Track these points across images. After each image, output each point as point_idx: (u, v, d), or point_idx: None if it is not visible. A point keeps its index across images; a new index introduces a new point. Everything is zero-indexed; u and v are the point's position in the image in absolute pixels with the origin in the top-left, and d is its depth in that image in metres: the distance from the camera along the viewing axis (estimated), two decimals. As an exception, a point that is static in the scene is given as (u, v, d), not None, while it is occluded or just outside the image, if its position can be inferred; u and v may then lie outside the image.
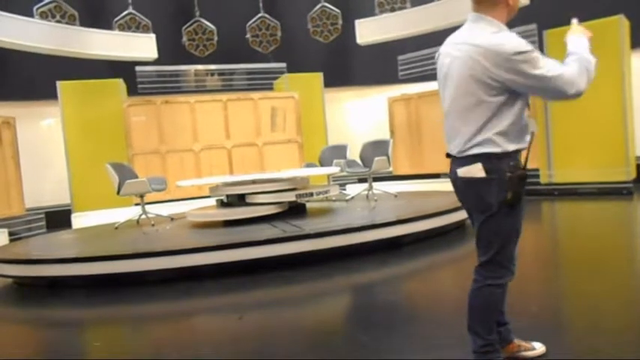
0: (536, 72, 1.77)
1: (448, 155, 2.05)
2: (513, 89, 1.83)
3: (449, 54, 1.95)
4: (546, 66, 1.78)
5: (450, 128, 1.99)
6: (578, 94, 1.82)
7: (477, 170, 1.88)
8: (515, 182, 1.85)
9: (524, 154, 1.94)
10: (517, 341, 2.19)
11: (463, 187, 1.98)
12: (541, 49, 7.42)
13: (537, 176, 7.74)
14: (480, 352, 1.96)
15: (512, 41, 1.79)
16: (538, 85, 1.80)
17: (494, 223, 1.91)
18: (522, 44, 1.78)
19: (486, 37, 1.84)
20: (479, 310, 1.98)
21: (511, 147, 1.86)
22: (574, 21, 2.04)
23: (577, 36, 1.95)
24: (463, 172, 1.94)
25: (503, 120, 1.85)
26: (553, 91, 1.81)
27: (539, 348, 2.18)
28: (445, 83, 1.98)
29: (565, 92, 1.80)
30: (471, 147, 1.89)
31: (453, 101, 1.94)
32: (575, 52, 1.88)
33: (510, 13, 1.94)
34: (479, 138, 1.87)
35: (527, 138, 1.92)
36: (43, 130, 9.58)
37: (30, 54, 7.84)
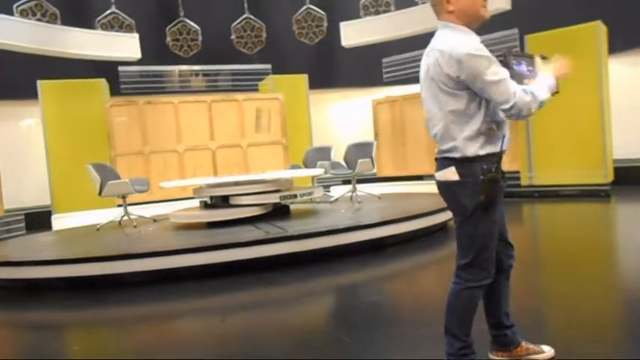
0: (486, 77, 1.81)
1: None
2: (474, 92, 1.87)
3: (424, 62, 2.01)
4: (494, 75, 1.81)
5: (431, 131, 2.05)
6: (515, 114, 1.84)
7: (451, 174, 1.93)
8: (487, 185, 1.88)
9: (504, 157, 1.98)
10: (525, 344, 2.16)
11: (440, 190, 2.03)
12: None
13: (518, 178, 7.87)
14: (458, 355, 1.97)
15: (463, 45, 1.84)
16: (483, 89, 1.84)
17: (471, 226, 1.94)
18: (467, 48, 1.82)
19: (444, 40, 1.90)
20: (458, 312, 1.99)
21: (482, 151, 1.89)
22: (538, 59, 2.04)
23: (546, 76, 1.96)
24: (439, 175, 1.99)
25: (471, 124, 1.89)
26: (493, 98, 1.84)
27: (548, 352, 2.16)
28: (423, 90, 2.04)
29: (501, 104, 1.84)
30: (444, 151, 1.96)
31: (428, 108, 2.00)
32: (535, 85, 1.91)
33: (463, 19, 1.93)
34: (450, 143, 1.92)
35: (502, 141, 1.94)
36: (23, 130, 9.42)
37: (10, 53, 7.70)
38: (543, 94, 1.87)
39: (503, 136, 1.94)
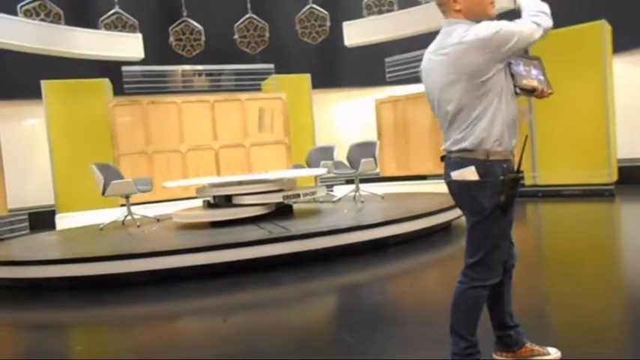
0: (514, 41, 1.84)
1: (442, 158, 2.05)
2: (496, 83, 1.87)
3: (431, 60, 1.98)
4: (515, 32, 1.85)
5: (443, 132, 2.02)
6: (543, 34, 1.89)
7: (470, 173, 1.89)
8: (508, 185, 1.86)
9: (517, 155, 1.95)
10: (530, 345, 2.14)
11: (457, 190, 1.98)
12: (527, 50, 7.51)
13: (521, 178, 7.84)
14: (463, 355, 1.96)
15: (484, 28, 1.85)
16: (519, 47, 1.88)
17: (486, 226, 1.92)
18: (491, 27, 1.84)
19: (461, 34, 1.86)
20: (463, 311, 1.98)
21: (501, 148, 1.88)
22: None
23: None
24: (456, 175, 1.94)
25: (488, 121, 1.87)
26: (528, 40, 1.88)
27: (554, 354, 2.13)
28: (432, 89, 2.00)
29: (534, 38, 1.88)
30: (461, 149, 1.90)
31: (441, 105, 1.96)
32: (527, 6, 1.95)
33: (470, 16, 1.93)
34: (467, 141, 1.88)
35: (514, 140, 1.95)
36: (26, 130, 9.45)
37: (13, 53, 7.73)
38: (539, 3, 1.92)
39: (526, 135, 1.96)
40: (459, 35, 1.87)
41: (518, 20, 1.90)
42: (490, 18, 1.94)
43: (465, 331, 1.97)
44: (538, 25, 1.86)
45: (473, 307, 1.98)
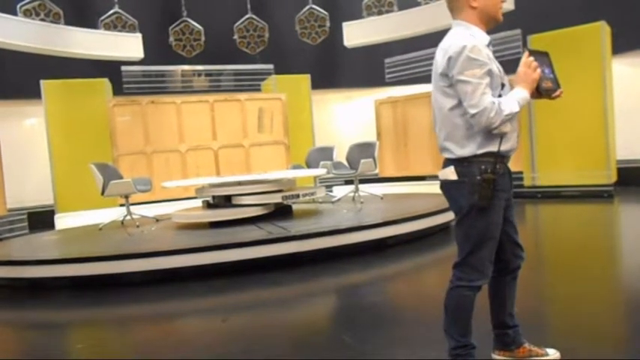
0: (460, 77, 1.83)
1: None
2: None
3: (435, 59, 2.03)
4: (471, 77, 1.80)
5: (435, 130, 2.07)
6: (476, 122, 1.83)
7: (450, 173, 1.95)
8: (481, 185, 1.86)
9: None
10: (528, 346, 2.14)
11: (441, 188, 2.05)
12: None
13: (521, 179, 7.85)
14: (451, 355, 1.98)
15: (464, 42, 1.83)
16: (457, 88, 1.85)
17: (466, 226, 1.95)
18: (469, 49, 1.81)
19: (449, 38, 1.91)
20: (450, 311, 1.99)
21: (480, 150, 1.89)
22: (525, 54, 1.92)
23: (519, 88, 1.88)
24: (441, 174, 2.01)
25: (467, 124, 1.89)
26: (462, 99, 1.84)
27: (552, 355, 2.13)
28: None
29: (467, 107, 1.83)
30: (443, 150, 1.99)
31: (433, 107, 2.03)
32: (505, 98, 1.86)
33: (483, 17, 1.94)
34: (447, 142, 1.95)
35: (500, 141, 1.89)
36: (26, 130, 9.45)
37: (13, 52, 7.73)
38: (508, 109, 1.82)
39: (503, 135, 1.89)
40: (446, 40, 1.91)
41: (507, 97, 1.84)
42: (497, 22, 1.97)
43: (453, 331, 1.98)
44: (484, 112, 1.79)
45: (458, 307, 1.98)
